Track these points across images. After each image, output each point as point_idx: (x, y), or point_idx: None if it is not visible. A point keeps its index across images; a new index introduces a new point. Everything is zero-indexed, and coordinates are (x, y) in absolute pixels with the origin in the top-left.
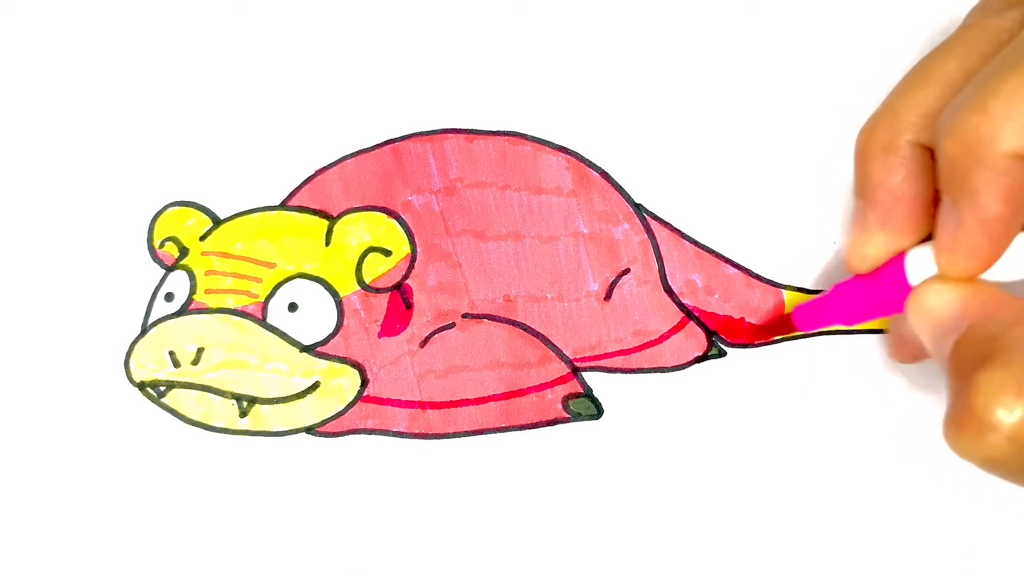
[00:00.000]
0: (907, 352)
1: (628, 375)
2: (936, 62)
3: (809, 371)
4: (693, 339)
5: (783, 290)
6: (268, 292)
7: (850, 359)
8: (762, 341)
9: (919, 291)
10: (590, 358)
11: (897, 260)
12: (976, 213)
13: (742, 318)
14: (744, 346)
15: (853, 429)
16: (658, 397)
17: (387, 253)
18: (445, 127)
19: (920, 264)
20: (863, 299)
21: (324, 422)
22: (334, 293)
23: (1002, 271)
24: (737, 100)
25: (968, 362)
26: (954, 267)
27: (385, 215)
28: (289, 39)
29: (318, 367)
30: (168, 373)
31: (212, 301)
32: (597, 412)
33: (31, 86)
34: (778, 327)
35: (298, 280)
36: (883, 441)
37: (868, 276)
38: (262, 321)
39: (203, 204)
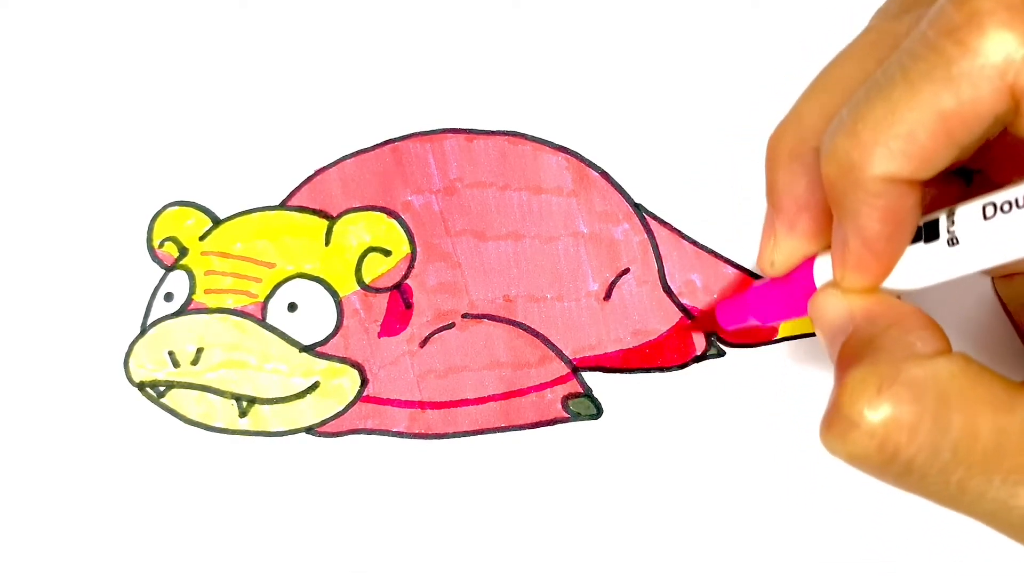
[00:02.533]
0: None
1: (628, 375)
2: (837, 67)
3: (808, 371)
4: (692, 339)
5: None
6: (268, 292)
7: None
8: (695, 331)
9: (816, 297)
10: (590, 358)
11: (807, 265)
12: (858, 233)
13: None
14: (743, 346)
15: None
16: (657, 397)
17: (387, 253)
18: (445, 127)
19: (826, 270)
20: (776, 300)
21: (324, 422)
22: (334, 293)
23: (900, 280)
24: (737, 100)
25: (845, 363)
26: (846, 281)
27: (385, 215)
28: (289, 39)
29: (318, 367)
30: (168, 373)
31: (212, 301)
32: (597, 412)
33: (31, 86)
34: (705, 322)
35: (298, 280)
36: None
37: (781, 279)
38: (262, 321)
39: (203, 204)
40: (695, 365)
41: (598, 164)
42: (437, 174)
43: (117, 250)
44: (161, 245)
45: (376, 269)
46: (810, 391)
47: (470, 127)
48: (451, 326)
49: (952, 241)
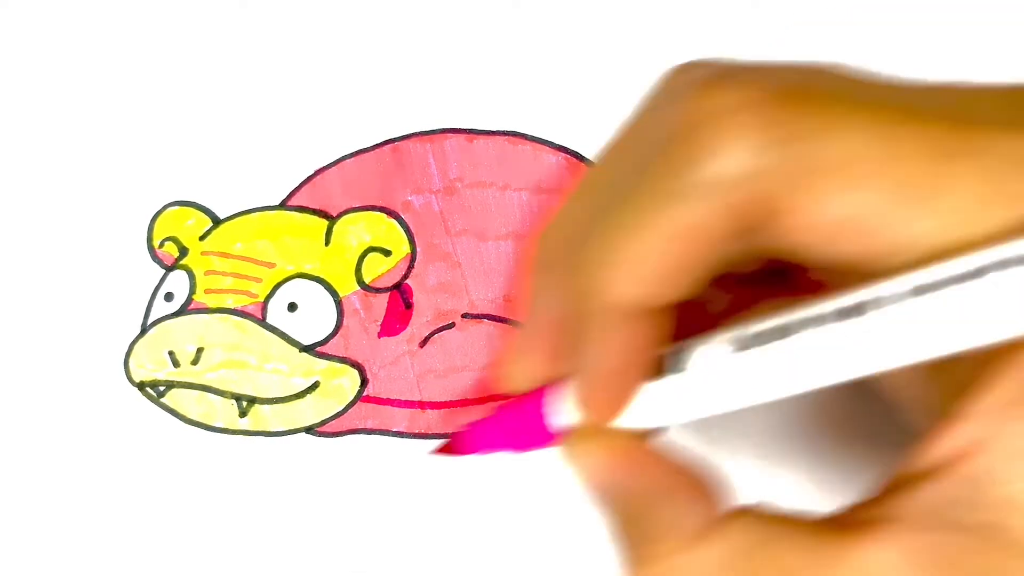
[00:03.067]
0: None
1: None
2: (603, 168)
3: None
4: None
5: None
6: (268, 292)
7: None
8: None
9: (570, 443)
10: None
11: (544, 390)
12: (591, 364)
13: None
14: None
15: (852, 428)
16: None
17: (387, 253)
18: (445, 127)
19: (568, 401)
20: (522, 427)
21: (324, 422)
22: (334, 293)
23: (642, 418)
24: None
25: (625, 552)
26: (584, 412)
27: (385, 215)
28: (289, 39)
29: (318, 367)
30: (168, 373)
31: (212, 301)
32: None
33: (30, 86)
34: (451, 449)
35: (298, 280)
36: (882, 439)
37: (520, 400)
38: (262, 321)
39: (203, 204)
40: None
41: None
42: (437, 174)
43: (117, 250)
44: (161, 245)
45: (376, 269)
46: (809, 391)
47: (470, 127)
48: (451, 326)
49: (688, 379)
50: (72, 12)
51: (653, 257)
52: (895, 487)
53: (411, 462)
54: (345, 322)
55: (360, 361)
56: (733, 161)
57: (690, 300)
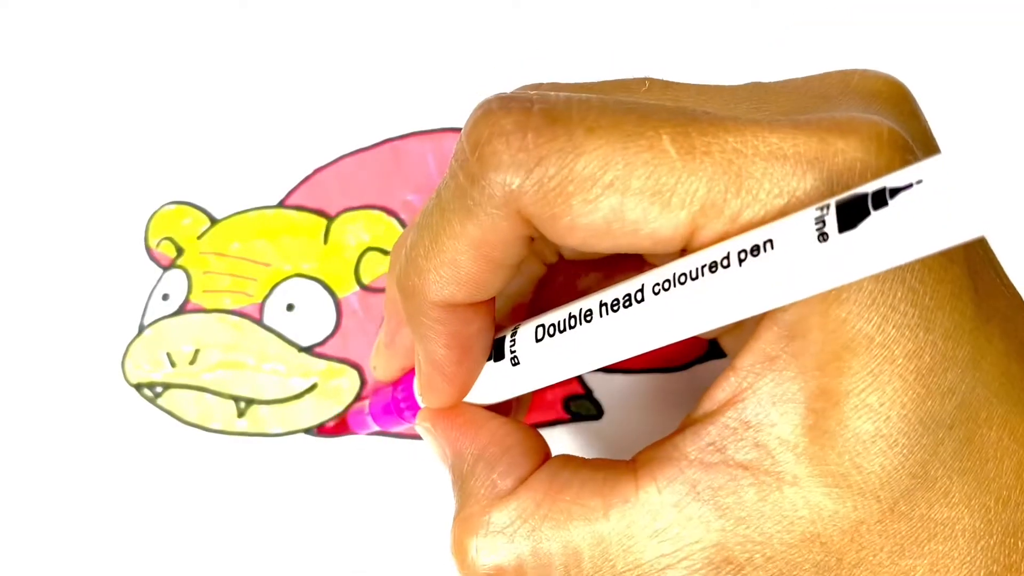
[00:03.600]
0: None
1: (628, 375)
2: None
3: None
4: (693, 339)
5: None
6: (265, 292)
7: None
8: (335, 434)
9: (417, 421)
10: None
11: (411, 375)
12: (427, 356)
13: None
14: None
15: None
16: (658, 397)
17: (386, 253)
18: (444, 126)
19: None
20: (388, 406)
21: (323, 423)
22: (332, 293)
23: (480, 395)
24: None
25: (455, 504)
26: (426, 399)
27: (384, 214)
28: (288, 38)
29: (316, 368)
30: (165, 374)
31: (209, 301)
32: (597, 412)
33: (28, 85)
34: (340, 427)
35: (296, 280)
36: None
37: (390, 385)
38: (259, 321)
39: (200, 203)
40: (697, 366)
41: None
42: (436, 173)
43: (113, 250)
44: (158, 245)
45: (375, 269)
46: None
47: None
48: None
49: (515, 361)
50: (71, 12)
51: (462, 260)
52: (678, 431)
53: (411, 462)
54: (344, 322)
55: (359, 362)
56: (502, 182)
57: (562, 281)
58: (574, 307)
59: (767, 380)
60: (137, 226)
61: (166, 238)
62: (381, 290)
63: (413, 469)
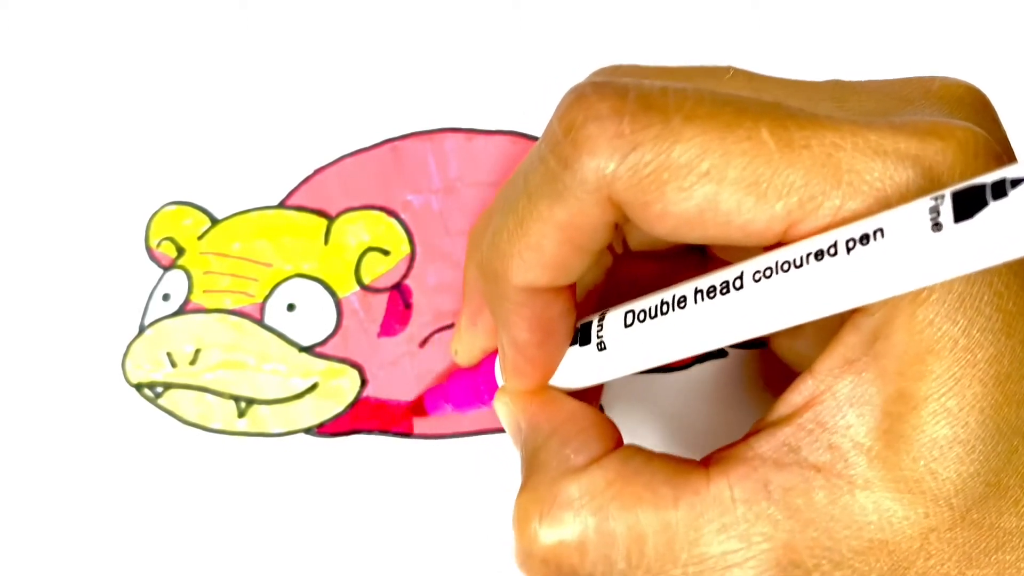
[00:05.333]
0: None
1: (628, 375)
2: (516, 172)
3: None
4: None
5: None
6: (266, 292)
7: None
8: (412, 416)
9: (495, 400)
10: None
11: (493, 357)
12: (509, 339)
13: None
14: (745, 346)
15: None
16: (658, 397)
17: (386, 253)
18: (445, 126)
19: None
20: (469, 390)
21: (323, 423)
22: (332, 293)
23: (563, 379)
24: None
25: (522, 482)
26: (509, 383)
27: (384, 214)
28: (288, 38)
29: (317, 368)
30: (165, 374)
31: (209, 301)
32: None
33: (28, 85)
34: (417, 408)
35: (296, 280)
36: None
37: (472, 369)
38: (260, 321)
39: (200, 203)
40: (697, 365)
41: None
42: (437, 173)
43: (114, 250)
44: (159, 245)
45: (375, 269)
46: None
47: (470, 127)
48: (451, 326)
49: (601, 346)
50: (71, 12)
51: (547, 244)
52: (752, 433)
53: (411, 462)
54: (344, 322)
55: (359, 361)
56: (596, 167)
57: (620, 274)
58: (666, 294)
59: (846, 382)
60: (138, 226)
61: (167, 238)
62: (381, 290)
63: (414, 469)
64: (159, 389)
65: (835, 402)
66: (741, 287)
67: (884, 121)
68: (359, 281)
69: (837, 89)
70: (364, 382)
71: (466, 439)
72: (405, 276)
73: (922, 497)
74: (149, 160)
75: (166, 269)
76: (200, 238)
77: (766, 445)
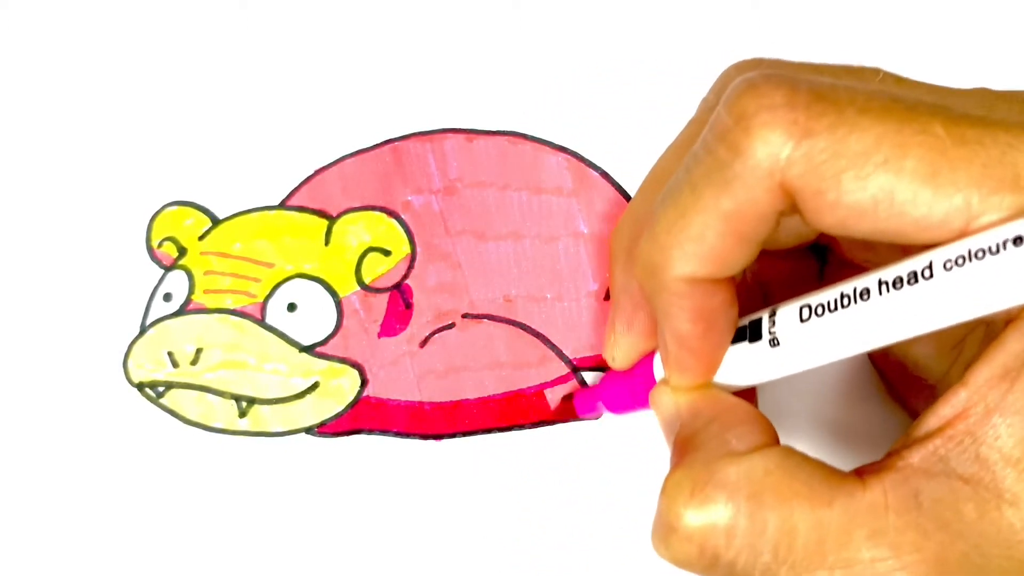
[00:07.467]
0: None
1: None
2: (665, 160)
3: (809, 372)
4: None
5: None
6: (267, 292)
7: (848, 359)
8: (556, 420)
9: (653, 392)
10: (589, 358)
11: (648, 360)
12: (672, 332)
13: None
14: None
15: (854, 429)
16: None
17: (386, 253)
18: (445, 127)
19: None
20: (623, 392)
21: (324, 422)
22: (333, 293)
23: (729, 377)
24: None
25: (672, 463)
26: (672, 378)
27: (384, 215)
28: (289, 39)
29: (317, 367)
30: (166, 373)
31: (211, 301)
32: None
33: (29, 85)
34: (564, 412)
35: (297, 280)
36: (883, 438)
37: (627, 372)
38: (261, 321)
39: (202, 203)
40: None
41: (598, 164)
42: (437, 174)
43: (116, 250)
44: (160, 245)
45: (376, 269)
46: (811, 392)
47: (470, 127)
48: (451, 326)
49: (774, 342)
50: (72, 12)
51: (709, 235)
52: (902, 444)
53: (411, 462)
54: (345, 322)
55: (360, 361)
56: (769, 153)
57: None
58: (846, 286)
59: (998, 392)
60: (139, 226)
61: (168, 238)
62: (382, 290)
63: (414, 469)
64: (160, 389)
65: (986, 411)
66: (931, 276)
67: None
68: (360, 281)
69: (986, 96)
70: (364, 382)
71: (467, 439)
72: (405, 276)
73: None
74: (151, 161)
75: (167, 269)
76: (201, 238)
77: (917, 456)
